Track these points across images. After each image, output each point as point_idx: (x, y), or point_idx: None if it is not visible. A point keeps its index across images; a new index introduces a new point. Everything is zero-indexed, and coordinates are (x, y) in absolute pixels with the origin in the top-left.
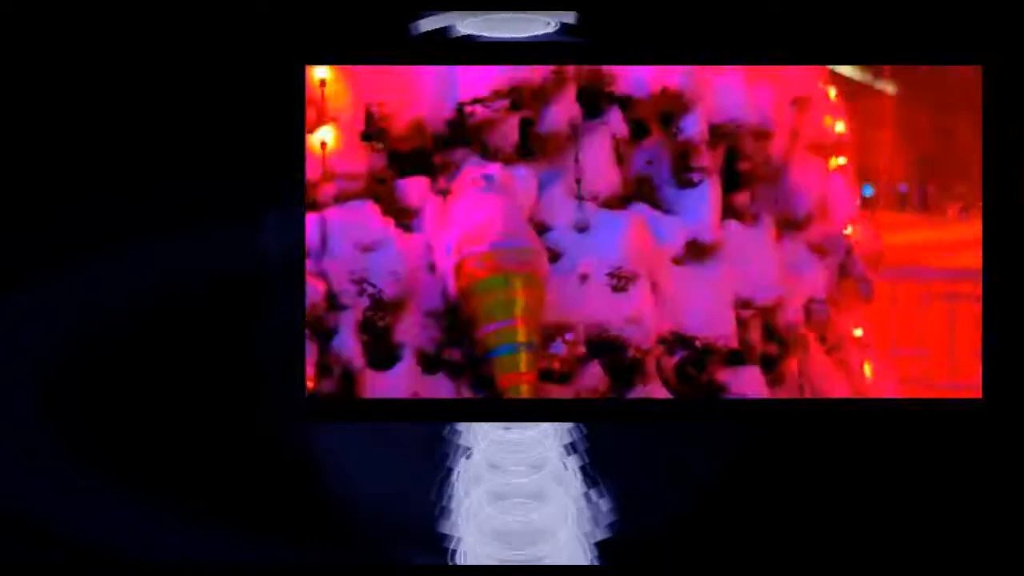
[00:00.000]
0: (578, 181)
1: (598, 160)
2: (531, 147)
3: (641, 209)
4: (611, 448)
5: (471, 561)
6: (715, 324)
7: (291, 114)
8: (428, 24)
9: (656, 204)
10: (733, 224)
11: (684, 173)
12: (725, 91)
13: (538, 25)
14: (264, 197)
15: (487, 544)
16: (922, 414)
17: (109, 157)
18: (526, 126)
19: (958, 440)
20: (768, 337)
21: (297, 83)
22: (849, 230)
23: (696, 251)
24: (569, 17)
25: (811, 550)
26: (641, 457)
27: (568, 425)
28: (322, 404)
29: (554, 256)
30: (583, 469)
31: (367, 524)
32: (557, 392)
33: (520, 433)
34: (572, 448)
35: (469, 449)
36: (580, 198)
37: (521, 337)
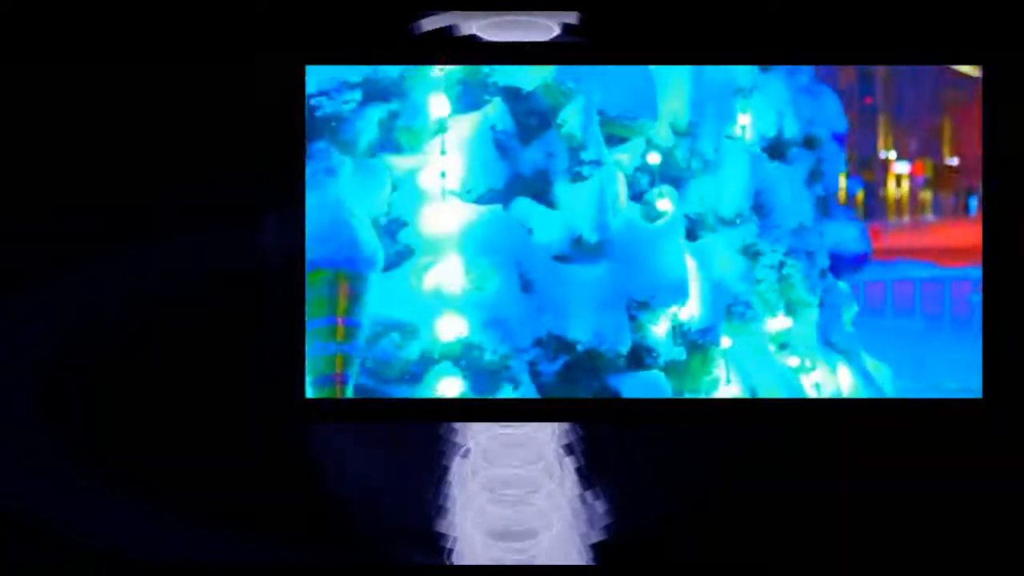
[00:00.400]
0: (443, 175)
1: (473, 153)
2: (393, 140)
3: (524, 204)
4: (609, 448)
5: (469, 560)
6: (602, 327)
7: (291, 114)
8: (429, 24)
9: (546, 199)
10: (633, 221)
11: (574, 167)
12: (624, 82)
13: (542, 29)
14: (264, 197)
15: (485, 543)
16: (921, 414)
17: (109, 157)
18: (390, 118)
19: (958, 440)
20: (677, 341)
21: (297, 83)
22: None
23: (583, 249)
24: (571, 17)
25: (809, 550)
26: (638, 457)
27: (566, 425)
28: (320, 404)
29: (408, 252)
30: (579, 470)
31: (366, 524)
32: (403, 395)
33: (518, 432)
34: (569, 448)
35: (467, 448)
36: (444, 193)
37: (339, 336)
